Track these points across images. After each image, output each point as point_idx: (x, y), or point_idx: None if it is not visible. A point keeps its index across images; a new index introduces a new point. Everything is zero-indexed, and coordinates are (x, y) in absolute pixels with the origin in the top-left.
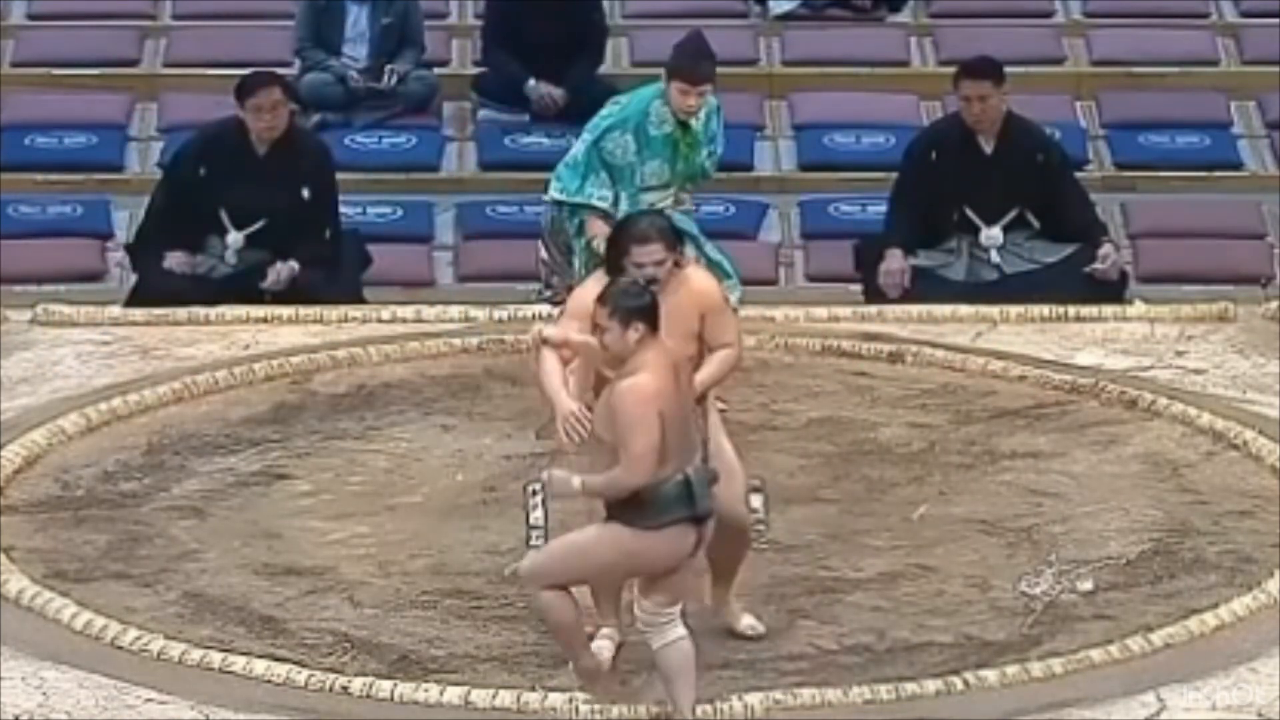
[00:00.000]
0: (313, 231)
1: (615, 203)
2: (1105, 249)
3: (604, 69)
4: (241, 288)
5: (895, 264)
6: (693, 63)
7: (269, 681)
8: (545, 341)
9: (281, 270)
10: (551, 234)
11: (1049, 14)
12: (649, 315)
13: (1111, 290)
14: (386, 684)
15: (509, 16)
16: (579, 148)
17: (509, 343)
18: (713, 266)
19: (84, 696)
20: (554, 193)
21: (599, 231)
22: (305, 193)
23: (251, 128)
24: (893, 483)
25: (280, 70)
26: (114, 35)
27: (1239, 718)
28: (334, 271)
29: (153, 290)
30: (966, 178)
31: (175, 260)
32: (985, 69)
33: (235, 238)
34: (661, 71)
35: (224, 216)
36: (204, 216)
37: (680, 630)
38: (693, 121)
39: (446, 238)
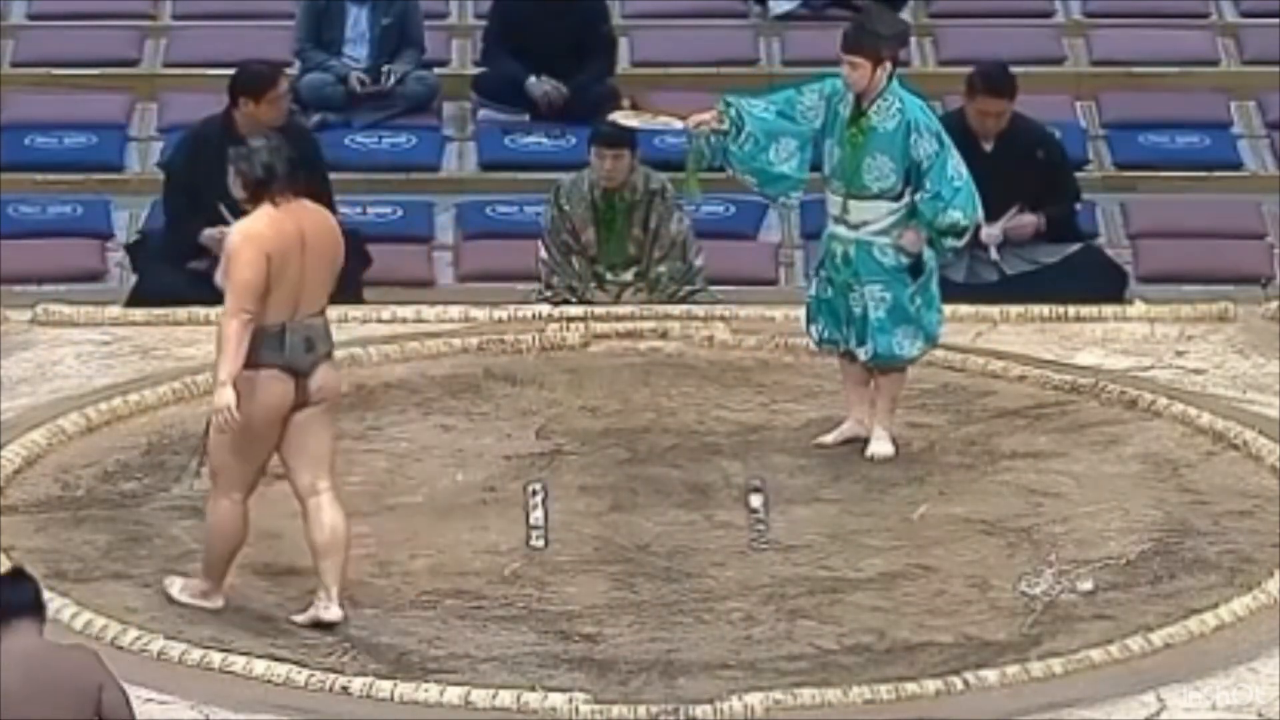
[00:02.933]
0: None
1: (756, 115)
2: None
3: None
4: None
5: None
6: (844, 31)
7: (269, 681)
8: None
9: None
10: (551, 234)
11: (1049, 14)
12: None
13: (1109, 288)
14: (386, 684)
15: (514, 24)
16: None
17: (509, 343)
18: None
19: None
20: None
21: (697, 117)
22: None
23: (261, 120)
24: (893, 483)
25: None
26: (114, 35)
27: (1239, 718)
28: None
29: (153, 290)
30: None
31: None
32: (1005, 87)
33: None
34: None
35: (223, 210)
36: (203, 213)
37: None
38: (874, 117)
39: (446, 238)
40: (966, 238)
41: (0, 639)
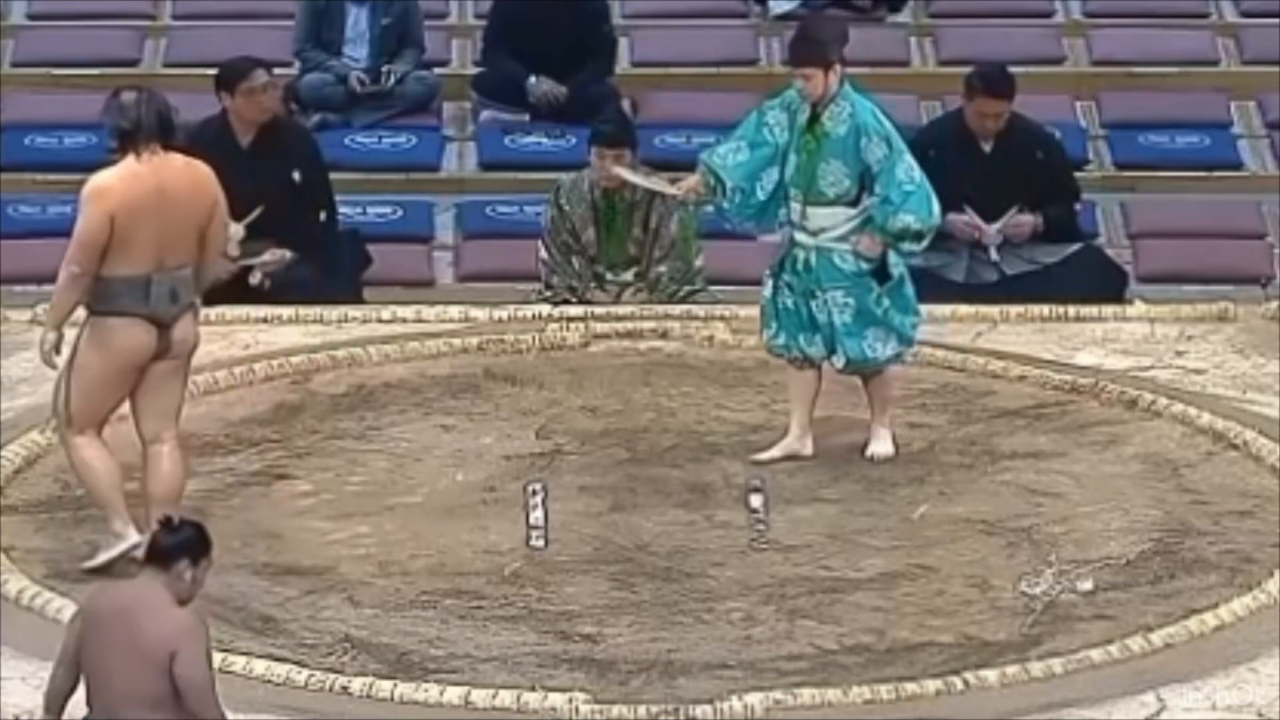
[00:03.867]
0: (309, 214)
1: (731, 167)
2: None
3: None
4: (243, 286)
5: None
6: (790, 45)
7: (269, 681)
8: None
9: (266, 261)
10: (551, 234)
11: (1049, 14)
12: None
13: (1109, 288)
14: (386, 684)
15: (514, 24)
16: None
17: (509, 343)
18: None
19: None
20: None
21: (686, 185)
22: (296, 176)
23: (243, 115)
24: (893, 483)
25: (280, 70)
26: (114, 35)
27: (1239, 718)
28: (333, 256)
29: None
30: (966, 176)
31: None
32: (1005, 89)
33: (235, 229)
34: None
35: None
36: None
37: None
38: (828, 123)
39: (446, 238)
40: (925, 242)
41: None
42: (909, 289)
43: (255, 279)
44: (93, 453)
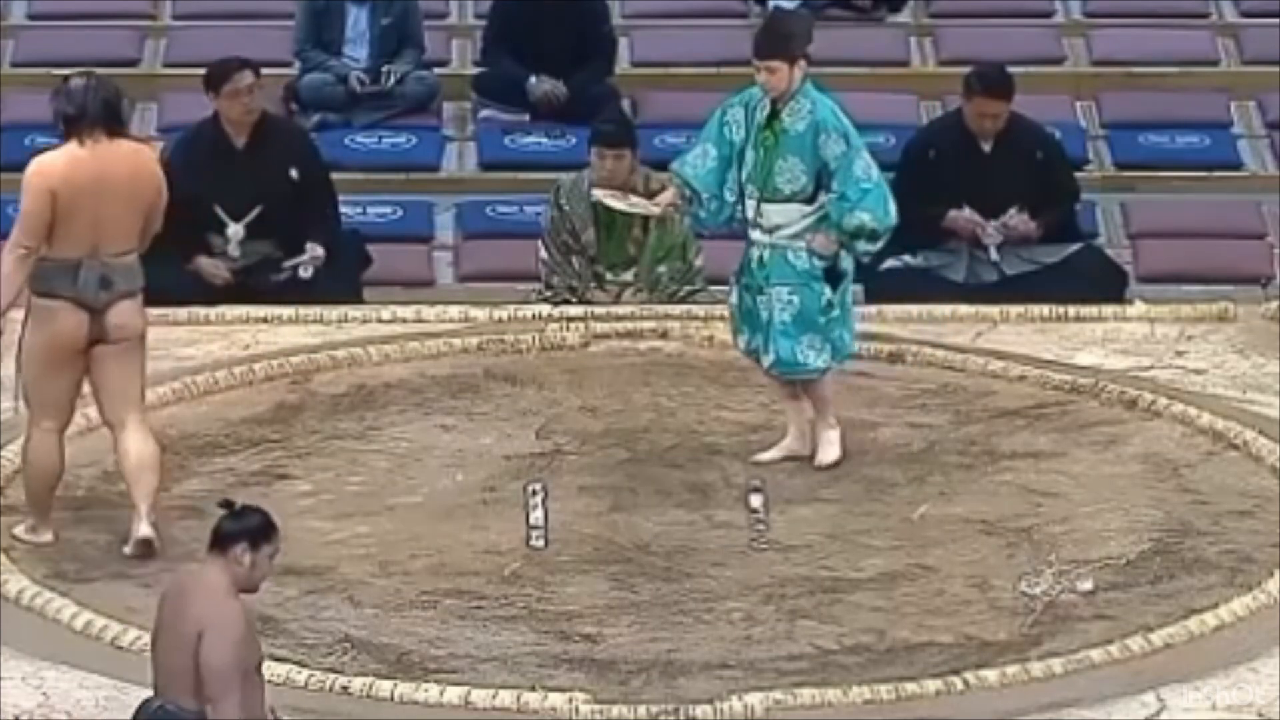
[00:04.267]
0: (317, 210)
1: (702, 175)
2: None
3: None
4: (247, 287)
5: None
6: (757, 37)
7: (269, 681)
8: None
9: (312, 255)
10: (551, 234)
11: (1049, 14)
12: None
13: (1109, 288)
14: (386, 684)
15: (514, 24)
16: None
17: (509, 343)
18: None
19: (84, 696)
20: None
21: (662, 199)
22: (293, 173)
23: (228, 115)
24: (893, 483)
25: (280, 70)
26: (114, 35)
27: (1239, 718)
28: (334, 256)
29: (153, 290)
30: (965, 176)
31: (207, 265)
32: (1003, 89)
33: (235, 230)
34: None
35: (219, 212)
36: (201, 217)
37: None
38: (786, 120)
39: (446, 238)
40: (880, 243)
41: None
42: (850, 299)
43: (307, 273)
44: (38, 447)
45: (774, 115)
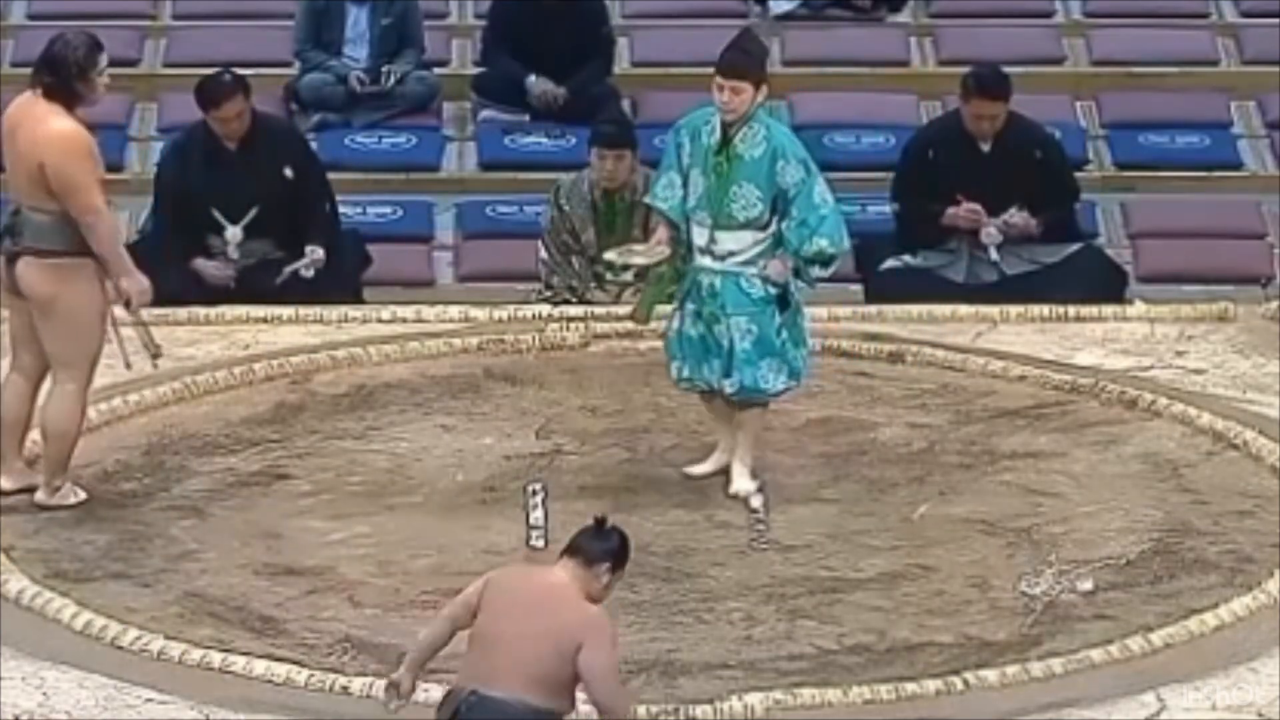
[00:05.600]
0: (314, 208)
1: (676, 206)
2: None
3: None
4: (247, 287)
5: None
6: (724, 54)
7: (269, 681)
8: None
9: (312, 258)
10: (551, 234)
11: (1049, 14)
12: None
13: (1109, 288)
14: None
15: (514, 24)
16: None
17: (509, 343)
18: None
19: (84, 696)
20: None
21: (659, 239)
22: (288, 172)
23: (217, 132)
24: (893, 483)
25: (280, 70)
26: (114, 35)
27: (1239, 718)
28: (333, 255)
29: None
30: (964, 176)
31: (210, 268)
32: (1000, 91)
33: (233, 231)
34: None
35: (217, 214)
36: (199, 219)
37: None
38: (740, 145)
39: (446, 238)
40: (833, 267)
41: (556, 564)
42: (804, 319)
43: (309, 274)
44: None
45: (726, 140)
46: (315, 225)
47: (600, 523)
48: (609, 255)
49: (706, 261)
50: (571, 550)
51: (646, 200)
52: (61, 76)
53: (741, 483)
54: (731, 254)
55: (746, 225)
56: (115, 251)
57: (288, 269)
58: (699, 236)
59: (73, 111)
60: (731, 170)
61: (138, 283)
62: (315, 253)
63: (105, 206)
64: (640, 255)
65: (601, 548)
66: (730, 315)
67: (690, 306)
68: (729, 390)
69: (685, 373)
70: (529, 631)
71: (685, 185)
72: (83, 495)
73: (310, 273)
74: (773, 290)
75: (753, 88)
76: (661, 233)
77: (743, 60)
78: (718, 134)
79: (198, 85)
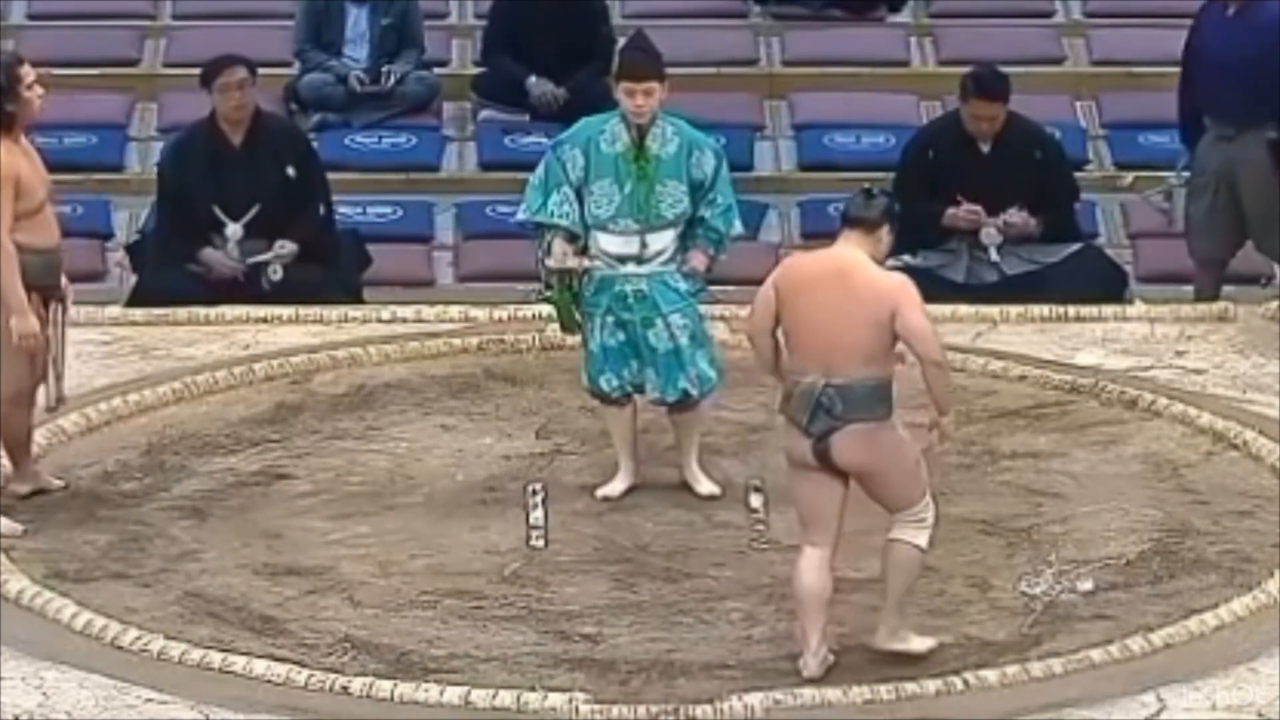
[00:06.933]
0: (303, 206)
1: (575, 219)
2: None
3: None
4: (248, 287)
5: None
6: (631, 59)
7: (269, 681)
8: None
9: (278, 252)
10: None
11: (1049, 14)
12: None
13: (1109, 288)
14: (386, 684)
15: (514, 24)
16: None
17: (509, 343)
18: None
19: (84, 696)
20: (519, 213)
21: (558, 253)
22: (290, 171)
23: (221, 112)
24: None
25: (280, 70)
26: (114, 35)
27: (1239, 718)
28: (332, 255)
29: (153, 290)
30: (964, 176)
31: (219, 258)
32: (999, 91)
33: (234, 229)
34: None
35: (218, 211)
36: (200, 216)
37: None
38: (653, 146)
39: (446, 238)
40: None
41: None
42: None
43: (276, 275)
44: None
45: (639, 144)
46: (297, 222)
47: (868, 193)
48: (551, 262)
49: (630, 268)
50: (852, 223)
51: (538, 219)
52: None
53: (705, 484)
54: (658, 254)
55: (674, 222)
56: (9, 285)
57: (251, 259)
58: (622, 245)
59: (13, 133)
60: (654, 171)
61: (23, 325)
62: (284, 246)
63: (9, 242)
64: (555, 264)
65: (879, 211)
66: (666, 314)
67: (609, 319)
68: (677, 392)
69: (618, 384)
70: (844, 314)
71: (580, 200)
72: None
73: (278, 273)
74: (696, 283)
75: (660, 87)
76: (566, 248)
77: (649, 62)
78: (624, 139)
79: (201, 70)
